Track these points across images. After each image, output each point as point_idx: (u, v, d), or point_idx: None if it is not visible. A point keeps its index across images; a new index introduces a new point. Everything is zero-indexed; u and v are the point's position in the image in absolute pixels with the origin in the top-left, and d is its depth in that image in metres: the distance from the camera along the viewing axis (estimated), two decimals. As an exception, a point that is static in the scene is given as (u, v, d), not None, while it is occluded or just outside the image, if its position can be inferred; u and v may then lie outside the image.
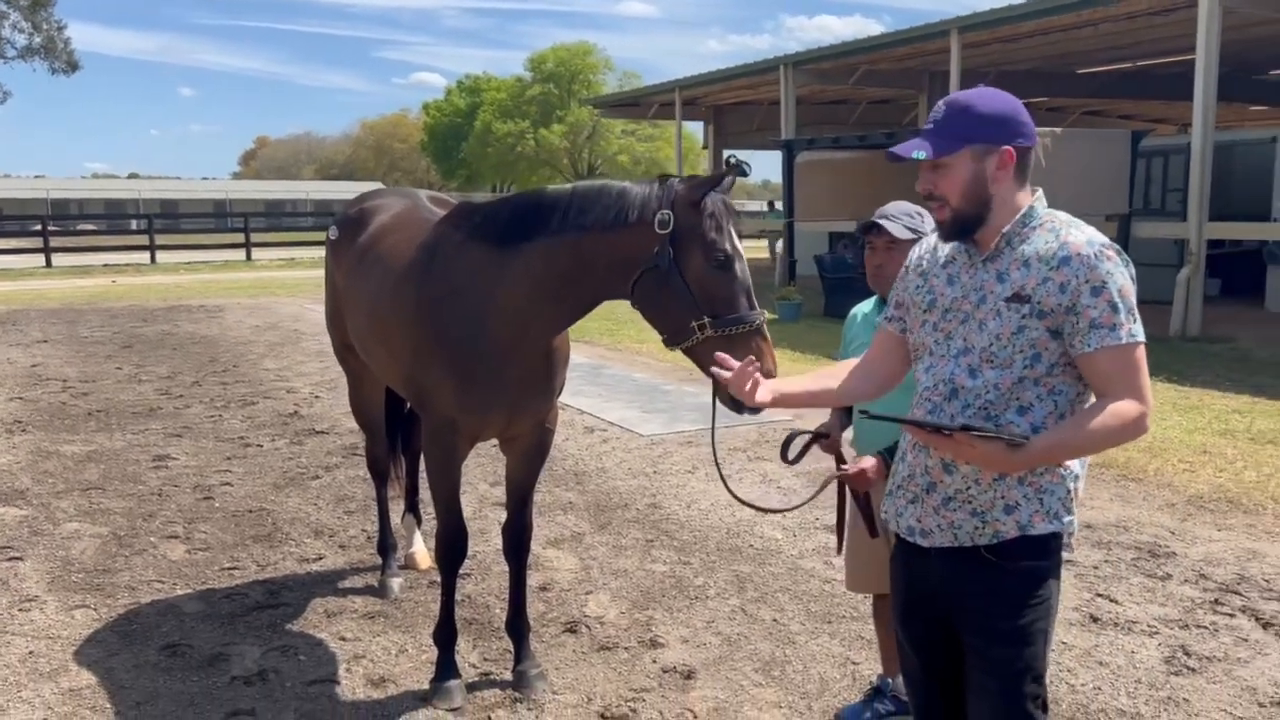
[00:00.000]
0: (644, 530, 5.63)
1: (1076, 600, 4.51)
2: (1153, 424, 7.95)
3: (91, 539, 5.51)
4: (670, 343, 3.15)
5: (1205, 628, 4.26)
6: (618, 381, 10.25)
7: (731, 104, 26.16)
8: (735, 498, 3.17)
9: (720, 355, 2.64)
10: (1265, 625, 4.27)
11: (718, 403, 2.97)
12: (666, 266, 3.06)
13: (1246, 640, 4.14)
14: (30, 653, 4.13)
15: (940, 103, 2.31)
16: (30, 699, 3.75)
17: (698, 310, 3.04)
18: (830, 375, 2.63)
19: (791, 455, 3.14)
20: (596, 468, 6.97)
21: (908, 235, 3.03)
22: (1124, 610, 4.44)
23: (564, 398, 4.08)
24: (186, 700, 3.73)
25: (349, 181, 71.85)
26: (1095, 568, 4.93)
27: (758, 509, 3.42)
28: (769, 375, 2.90)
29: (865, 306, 3.40)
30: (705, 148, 29.64)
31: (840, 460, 3.20)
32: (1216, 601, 4.52)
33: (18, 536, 5.55)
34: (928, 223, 3.09)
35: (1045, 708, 2.33)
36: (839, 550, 3.38)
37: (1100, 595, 4.59)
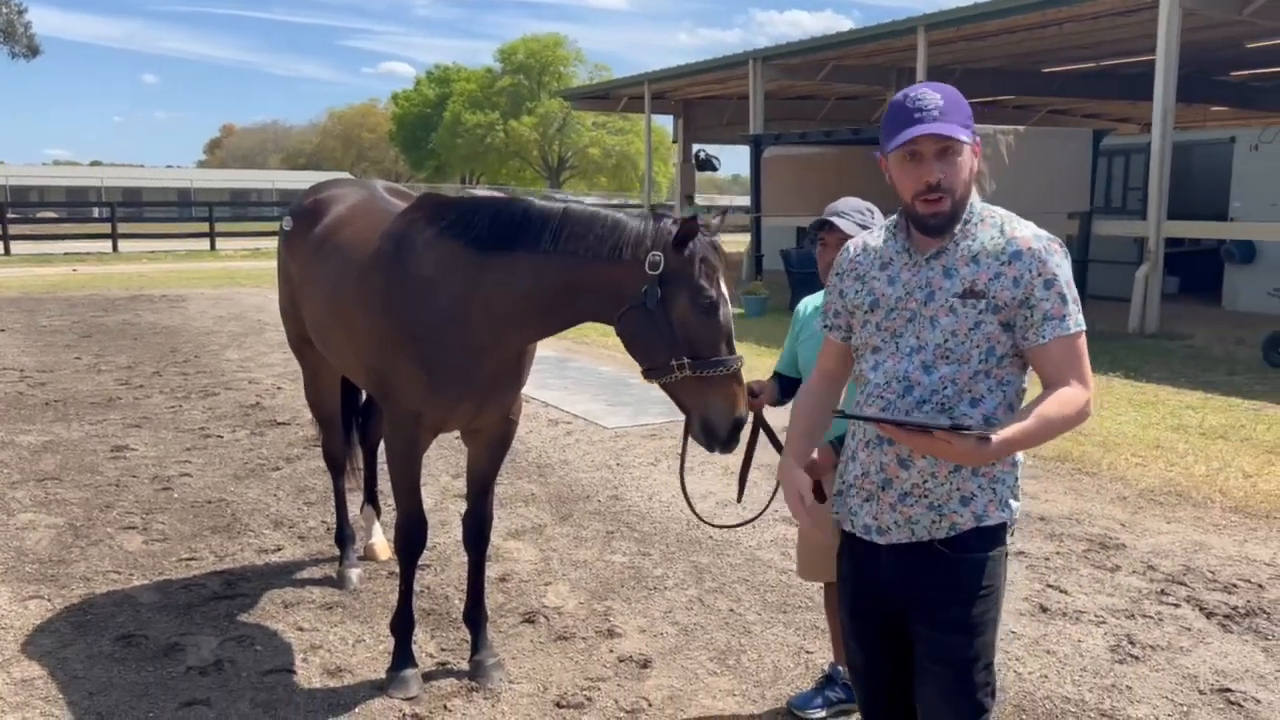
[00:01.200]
0: (605, 522, 5.66)
1: (1027, 590, 4.59)
2: (1108, 419, 7.98)
3: (47, 529, 5.45)
4: (648, 376, 3.24)
5: (1151, 617, 4.36)
6: (583, 374, 10.27)
7: (701, 98, 26.14)
8: (699, 519, 3.54)
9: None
10: (1209, 615, 4.38)
11: (689, 438, 3.26)
12: (653, 306, 3.13)
13: (1190, 630, 4.25)
14: (-18, 643, 4.09)
15: (924, 91, 2.21)
16: (-19, 690, 3.72)
17: (678, 350, 3.12)
18: (812, 415, 2.57)
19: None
20: (559, 460, 6.99)
21: (859, 232, 3.07)
22: (1073, 600, 4.53)
23: (529, 390, 4.11)
24: (141, 690, 3.71)
25: (316, 171, 70.86)
26: (1047, 559, 5.03)
27: (719, 527, 4.03)
28: (740, 421, 3.15)
29: (816, 299, 3.44)
30: (675, 142, 29.61)
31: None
32: (1163, 592, 4.63)
33: (-29, 527, 5.48)
34: (878, 219, 3.13)
35: (994, 694, 2.38)
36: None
37: (1050, 586, 4.69)
